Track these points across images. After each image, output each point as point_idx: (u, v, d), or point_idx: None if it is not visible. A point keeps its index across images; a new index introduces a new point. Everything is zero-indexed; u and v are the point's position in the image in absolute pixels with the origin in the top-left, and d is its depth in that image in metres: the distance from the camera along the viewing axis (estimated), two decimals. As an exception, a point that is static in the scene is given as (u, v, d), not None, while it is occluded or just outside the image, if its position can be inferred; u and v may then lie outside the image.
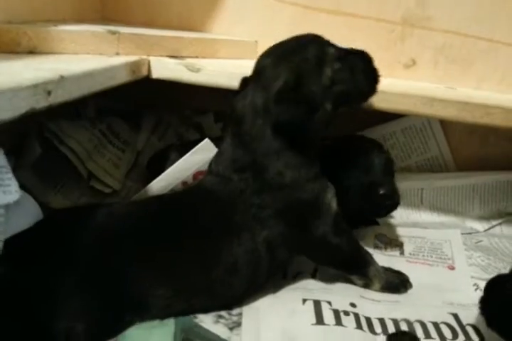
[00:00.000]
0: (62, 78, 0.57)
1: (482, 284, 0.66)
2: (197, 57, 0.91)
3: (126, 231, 0.66)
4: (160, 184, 0.84)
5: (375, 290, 0.77)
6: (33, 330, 0.57)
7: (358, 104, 0.76)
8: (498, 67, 0.96)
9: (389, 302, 0.75)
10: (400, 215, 1.05)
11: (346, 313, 0.71)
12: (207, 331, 0.65)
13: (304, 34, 0.73)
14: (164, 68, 0.85)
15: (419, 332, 0.68)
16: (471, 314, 0.72)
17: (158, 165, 0.95)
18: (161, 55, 0.86)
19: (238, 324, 0.68)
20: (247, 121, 0.70)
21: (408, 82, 0.97)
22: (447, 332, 0.69)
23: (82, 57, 0.76)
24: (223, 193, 0.70)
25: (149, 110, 1.16)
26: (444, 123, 1.08)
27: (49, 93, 0.55)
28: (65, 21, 0.85)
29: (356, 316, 0.70)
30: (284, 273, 0.80)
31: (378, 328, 0.69)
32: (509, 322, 0.61)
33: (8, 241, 0.60)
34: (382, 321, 0.70)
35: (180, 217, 0.69)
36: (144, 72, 0.83)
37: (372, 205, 0.86)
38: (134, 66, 0.79)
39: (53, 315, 0.57)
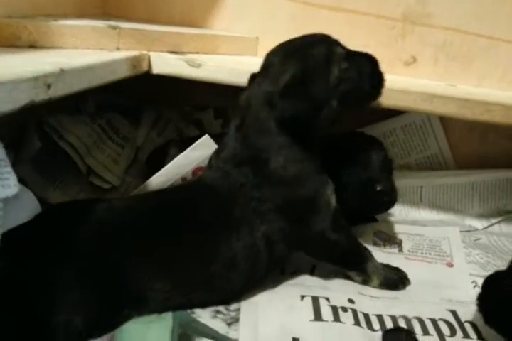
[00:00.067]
0: (62, 71, 0.57)
1: (480, 281, 0.66)
2: (198, 53, 0.91)
3: (126, 225, 0.66)
4: (159, 179, 0.84)
5: (374, 287, 0.77)
6: (31, 323, 0.57)
7: (362, 105, 0.77)
8: (499, 64, 0.96)
9: (387, 298, 0.75)
10: (399, 213, 1.05)
11: (344, 309, 0.71)
12: (205, 326, 0.65)
13: (313, 33, 0.74)
14: (165, 63, 0.84)
15: (418, 329, 0.68)
16: (469, 311, 0.72)
17: (158, 160, 0.95)
18: (162, 51, 0.86)
19: (236, 319, 0.68)
20: (251, 115, 0.70)
21: (408, 79, 0.97)
22: (445, 329, 0.69)
23: (83, 51, 0.75)
24: (223, 187, 0.71)
25: (149, 105, 1.16)
26: (444, 121, 1.08)
27: (49, 86, 0.54)
28: (65, 16, 0.85)
29: (354, 312, 0.71)
30: (282, 269, 0.80)
31: (376, 325, 0.69)
32: (506, 319, 0.61)
33: (6, 235, 0.60)
34: (380, 317, 0.70)
35: (180, 212, 0.69)
36: (145, 67, 0.83)
37: (369, 202, 0.86)
38: (135, 61, 0.79)
39: (52, 309, 0.57)
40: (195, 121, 1.16)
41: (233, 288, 0.69)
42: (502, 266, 0.86)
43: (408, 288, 0.78)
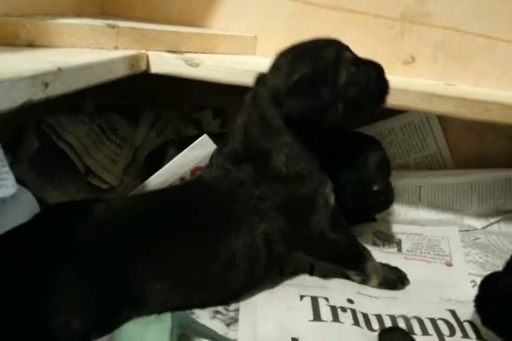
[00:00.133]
0: (60, 70, 0.57)
1: (479, 281, 0.66)
2: (196, 52, 0.91)
3: (124, 225, 0.65)
4: (158, 180, 0.84)
5: (373, 286, 0.77)
6: (30, 326, 0.56)
7: (366, 111, 0.77)
8: (497, 63, 0.96)
9: (386, 298, 0.75)
10: (398, 212, 1.05)
11: (343, 309, 0.71)
12: (204, 327, 0.64)
13: (323, 37, 0.75)
14: (163, 63, 0.84)
15: (417, 329, 0.68)
16: (468, 310, 0.71)
17: (156, 161, 0.95)
18: (160, 50, 0.86)
19: (235, 320, 0.67)
20: (257, 112, 0.71)
21: (407, 78, 0.97)
22: (444, 329, 0.69)
23: (81, 50, 0.75)
24: (223, 185, 0.71)
25: (148, 105, 1.16)
26: (443, 121, 1.08)
27: (47, 85, 0.54)
28: (64, 15, 0.85)
29: (353, 312, 0.70)
30: (281, 270, 0.80)
31: (376, 324, 0.69)
32: (503, 320, 0.61)
33: (4, 235, 0.60)
34: (379, 317, 0.70)
35: (178, 211, 0.69)
36: (143, 67, 0.83)
37: (366, 201, 0.86)
38: (133, 60, 0.79)
39: (50, 311, 0.57)
40: (193, 121, 1.16)
41: (232, 288, 0.69)
42: (501, 265, 0.85)
43: (407, 287, 0.78)
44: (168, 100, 1.14)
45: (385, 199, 0.87)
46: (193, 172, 0.84)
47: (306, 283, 0.77)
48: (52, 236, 0.62)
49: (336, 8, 0.98)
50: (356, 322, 0.68)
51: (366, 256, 0.76)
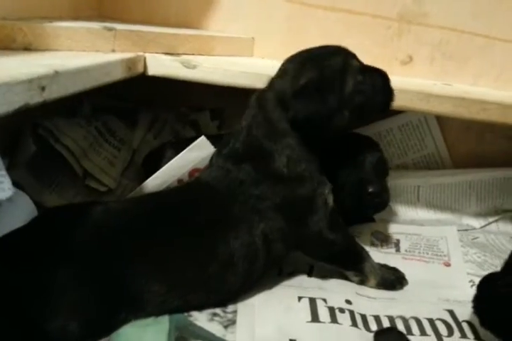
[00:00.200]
0: (56, 73, 0.57)
1: (478, 281, 0.66)
2: (193, 54, 0.91)
3: (122, 227, 0.65)
4: (155, 182, 0.84)
5: (371, 287, 0.77)
6: (27, 329, 0.56)
7: (370, 118, 0.77)
8: (495, 63, 0.96)
9: (384, 299, 0.75)
10: (396, 212, 1.05)
11: (342, 310, 0.71)
12: (201, 329, 0.64)
13: (331, 45, 0.75)
14: (160, 65, 0.84)
15: (415, 329, 0.68)
16: (466, 310, 0.71)
17: (154, 163, 0.95)
18: (157, 52, 0.86)
19: (233, 322, 0.67)
20: (261, 115, 0.72)
21: (405, 78, 0.97)
22: (443, 329, 0.69)
23: (78, 53, 0.75)
24: (223, 185, 0.71)
25: (145, 107, 1.16)
26: (441, 120, 1.08)
27: (43, 88, 0.54)
28: (61, 18, 0.85)
29: (351, 313, 0.70)
30: (280, 270, 0.80)
31: (374, 325, 0.69)
32: (502, 321, 0.61)
33: (1, 239, 0.60)
34: (377, 318, 0.70)
35: (177, 213, 0.69)
36: (140, 69, 0.83)
37: (361, 203, 0.87)
38: (130, 63, 0.79)
39: (48, 314, 0.57)
40: (191, 123, 1.16)
41: (231, 288, 0.69)
42: (499, 264, 0.85)
43: (405, 288, 0.78)
44: (165, 102, 1.14)
45: (380, 200, 0.87)
46: (190, 173, 0.84)
47: (305, 284, 0.77)
48: (50, 239, 0.62)
49: (333, 9, 0.98)
50: (354, 323, 0.68)
51: (364, 256, 0.77)
